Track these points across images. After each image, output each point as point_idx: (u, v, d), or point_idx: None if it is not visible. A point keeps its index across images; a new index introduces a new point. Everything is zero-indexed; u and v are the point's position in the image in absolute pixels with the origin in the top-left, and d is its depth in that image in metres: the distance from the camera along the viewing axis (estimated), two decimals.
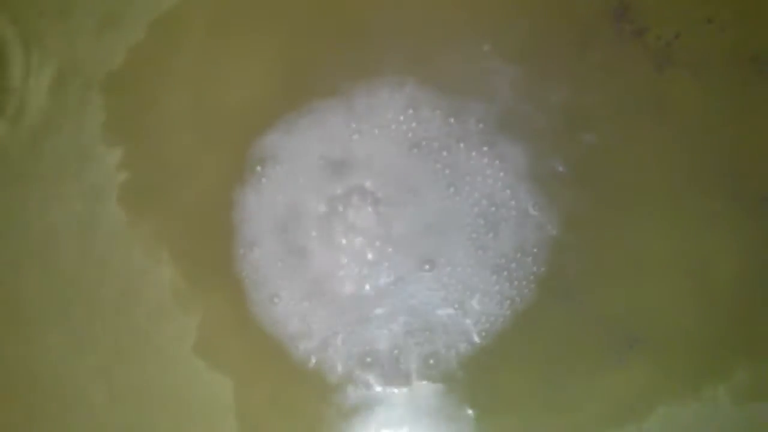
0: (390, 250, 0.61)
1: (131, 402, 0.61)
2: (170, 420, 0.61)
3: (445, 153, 0.61)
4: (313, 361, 0.60)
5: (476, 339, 0.60)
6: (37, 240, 0.63)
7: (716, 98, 0.60)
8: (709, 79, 0.60)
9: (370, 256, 0.61)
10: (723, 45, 0.61)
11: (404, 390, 0.60)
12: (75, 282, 0.63)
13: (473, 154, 0.61)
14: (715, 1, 0.61)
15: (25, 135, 0.64)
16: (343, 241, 0.62)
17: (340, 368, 0.60)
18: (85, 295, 0.62)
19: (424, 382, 0.60)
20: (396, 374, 0.60)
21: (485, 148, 0.61)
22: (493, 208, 0.60)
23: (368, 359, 0.60)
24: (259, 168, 0.63)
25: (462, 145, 0.61)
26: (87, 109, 0.64)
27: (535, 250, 0.60)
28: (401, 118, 0.62)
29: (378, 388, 0.60)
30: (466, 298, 0.60)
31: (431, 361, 0.60)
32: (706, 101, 0.60)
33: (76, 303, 0.62)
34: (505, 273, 0.60)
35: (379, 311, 0.60)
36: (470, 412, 0.59)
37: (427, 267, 0.61)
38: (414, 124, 0.61)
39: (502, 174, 0.61)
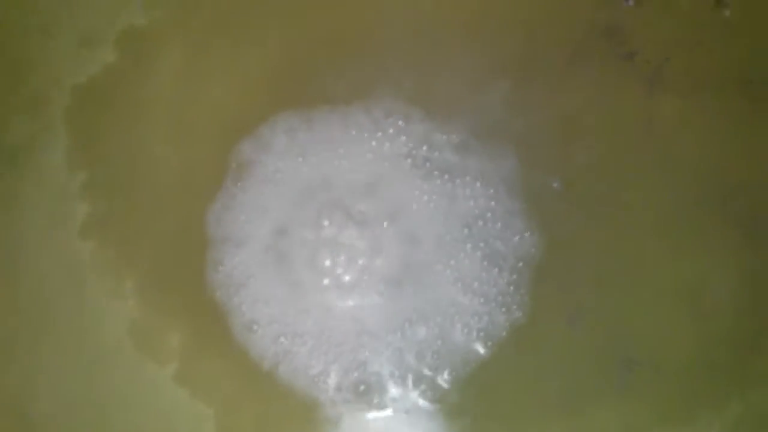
0: (373, 265, 0.60)
1: None
2: None
3: (433, 165, 0.60)
4: (298, 386, 0.59)
5: (470, 362, 0.58)
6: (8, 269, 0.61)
7: (706, 120, 0.60)
8: (699, 102, 0.60)
9: (352, 272, 0.60)
10: (712, 68, 0.61)
11: (397, 413, 0.58)
12: (48, 316, 0.61)
13: (463, 167, 0.60)
14: (704, 25, 0.61)
15: (4, 156, 0.63)
16: (326, 259, 0.60)
17: (327, 393, 0.58)
18: (55, 329, 0.61)
19: (417, 404, 0.58)
20: (387, 397, 0.58)
21: (473, 163, 0.60)
22: (480, 223, 0.59)
23: (356, 381, 0.58)
24: (235, 186, 0.61)
25: (451, 158, 0.60)
26: (61, 130, 0.63)
27: (525, 268, 0.59)
28: (390, 130, 0.61)
29: (369, 413, 0.58)
30: (456, 318, 0.58)
31: (422, 383, 0.58)
32: (696, 123, 0.60)
33: (46, 336, 0.60)
34: (498, 292, 0.59)
35: (364, 331, 0.59)
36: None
37: (412, 284, 0.59)
38: (403, 137, 0.61)
39: (491, 190, 0.60)
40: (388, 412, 0.58)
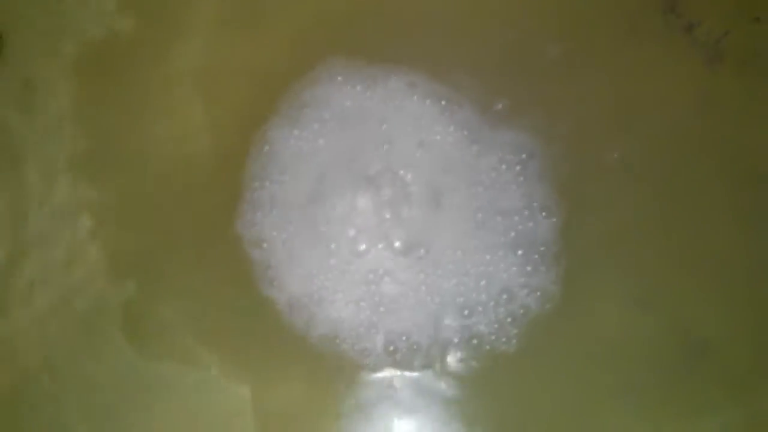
0: (415, 233, 0.58)
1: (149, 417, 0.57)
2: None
3: (480, 136, 0.58)
4: (332, 356, 0.57)
5: (523, 341, 0.56)
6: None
7: (764, 96, 0.59)
8: (760, 76, 0.59)
9: (380, 241, 0.58)
10: None
11: (433, 378, 0.56)
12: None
13: (512, 138, 0.58)
14: (763, 0, 0.60)
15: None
16: (368, 222, 0.58)
17: (362, 359, 0.57)
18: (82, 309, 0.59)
19: (455, 372, 0.56)
20: (425, 361, 0.57)
21: (523, 134, 0.58)
22: (531, 198, 0.57)
23: (397, 346, 0.57)
24: (265, 150, 0.59)
25: (500, 128, 0.58)
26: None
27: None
28: (436, 96, 0.59)
29: (399, 380, 0.57)
30: (506, 296, 0.57)
31: (465, 354, 0.56)
32: (756, 98, 0.59)
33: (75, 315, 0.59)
34: (552, 270, 0.57)
35: (399, 298, 0.57)
36: (516, 413, 0.56)
37: (458, 259, 0.57)
38: (450, 103, 0.59)
39: (543, 163, 0.58)
40: (429, 377, 0.56)
